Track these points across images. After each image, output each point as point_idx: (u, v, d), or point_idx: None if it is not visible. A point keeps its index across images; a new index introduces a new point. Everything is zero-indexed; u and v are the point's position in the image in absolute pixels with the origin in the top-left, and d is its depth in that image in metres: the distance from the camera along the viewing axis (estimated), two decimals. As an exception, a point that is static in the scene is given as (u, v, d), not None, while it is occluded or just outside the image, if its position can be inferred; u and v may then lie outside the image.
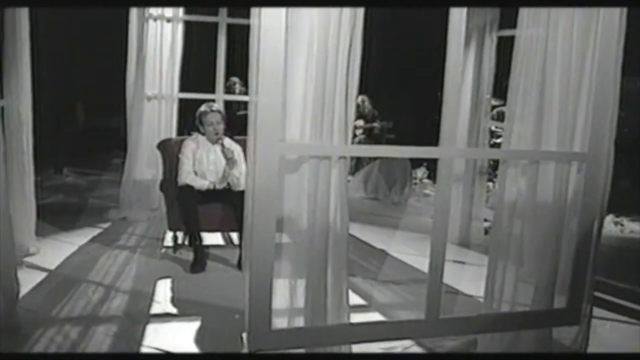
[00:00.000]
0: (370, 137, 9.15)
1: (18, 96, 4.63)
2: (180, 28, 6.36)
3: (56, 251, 5.01)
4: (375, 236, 6.07)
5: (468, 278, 4.87)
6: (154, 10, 6.26)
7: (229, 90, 9.09)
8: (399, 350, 3.50)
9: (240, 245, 4.92)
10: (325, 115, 2.70)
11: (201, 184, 5.03)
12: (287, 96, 2.65)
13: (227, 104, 8.95)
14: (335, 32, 2.67)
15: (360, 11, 2.74)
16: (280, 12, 2.53)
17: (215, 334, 3.63)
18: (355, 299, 4.31)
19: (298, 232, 2.78)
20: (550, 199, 3.14)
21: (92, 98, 9.67)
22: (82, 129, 9.70)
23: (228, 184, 5.08)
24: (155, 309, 3.98)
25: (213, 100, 7.06)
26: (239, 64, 8.36)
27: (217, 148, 5.14)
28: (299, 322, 2.87)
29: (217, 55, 6.63)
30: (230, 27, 6.64)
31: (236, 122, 9.53)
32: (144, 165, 6.45)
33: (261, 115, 2.55)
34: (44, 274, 4.47)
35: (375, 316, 4.09)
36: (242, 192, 5.00)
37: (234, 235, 5.67)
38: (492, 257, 3.22)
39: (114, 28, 6.39)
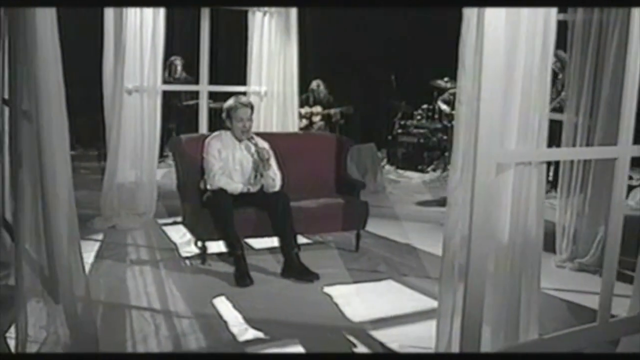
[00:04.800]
0: (328, 124, 8.88)
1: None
2: (162, 13, 5.71)
3: (70, 273, 4.32)
4: (387, 229, 5.84)
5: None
6: (132, -7, 5.57)
7: (169, 70, 8.45)
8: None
9: (284, 252, 4.52)
10: (530, 118, 2.45)
11: (234, 187, 4.56)
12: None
13: (173, 94, 8.39)
14: (541, 30, 2.41)
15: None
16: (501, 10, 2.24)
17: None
18: (430, 302, 4.11)
19: (495, 244, 2.51)
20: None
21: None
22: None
23: (262, 185, 4.65)
24: (240, 334, 3.53)
25: (197, 93, 6.56)
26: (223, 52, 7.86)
27: (243, 146, 4.68)
28: (486, 334, 2.62)
29: (200, 43, 6.06)
30: (213, 11, 6.10)
31: (184, 113, 8.93)
32: (126, 166, 5.78)
33: (483, 120, 2.25)
34: (78, 303, 3.83)
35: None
36: (276, 194, 4.64)
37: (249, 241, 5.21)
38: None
39: (86, 13, 5.61)
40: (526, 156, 2.44)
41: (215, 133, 4.73)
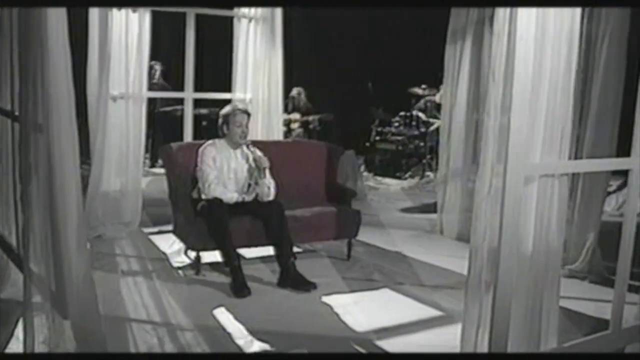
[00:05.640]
0: (307, 131, 8.89)
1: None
2: (147, 18, 5.63)
3: (62, 285, 4.21)
4: (375, 237, 5.85)
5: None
6: (117, -3, 5.48)
7: (149, 74, 8.31)
8: None
9: (280, 262, 4.49)
10: (554, 130, 2.49)
11: (230, 196, 4.51)
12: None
13: (149, 100, 8.25)
14: (565, 44, 2.45)
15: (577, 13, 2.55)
16: (533, 16, 2.27)
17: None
18: (429, 310, 4.14)
19: (519, 256, 2.54)
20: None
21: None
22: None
23: (256, 194, 4.61)
24: (246, 346, 3.49)
25: (175, 100, 6.47)
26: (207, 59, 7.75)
27: (238, 153, 4.65)
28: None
29: (185, 50, 5.99)
30: (199, 17, 6.03)
31: (160, 120, 8.80)
32: (111, 174, 5.67)
33: (513, 133, 2.28)
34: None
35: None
36: (271, 203, 4.61)
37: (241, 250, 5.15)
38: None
39: (70, 17, 5.46)
40: (550, 168, 2.48)
41: (209, 141, 4.67)
